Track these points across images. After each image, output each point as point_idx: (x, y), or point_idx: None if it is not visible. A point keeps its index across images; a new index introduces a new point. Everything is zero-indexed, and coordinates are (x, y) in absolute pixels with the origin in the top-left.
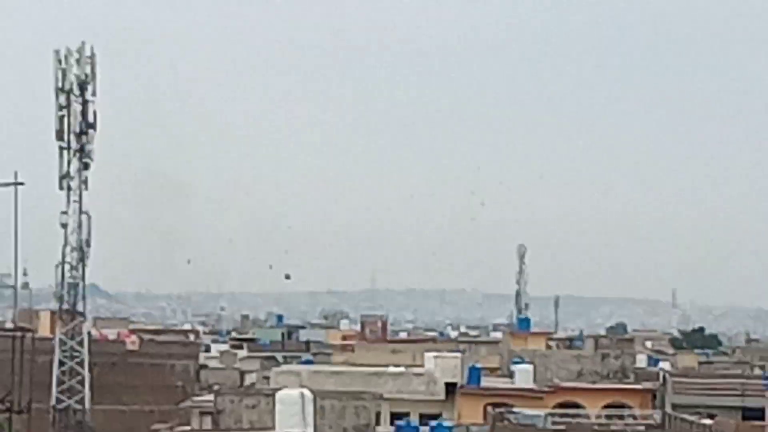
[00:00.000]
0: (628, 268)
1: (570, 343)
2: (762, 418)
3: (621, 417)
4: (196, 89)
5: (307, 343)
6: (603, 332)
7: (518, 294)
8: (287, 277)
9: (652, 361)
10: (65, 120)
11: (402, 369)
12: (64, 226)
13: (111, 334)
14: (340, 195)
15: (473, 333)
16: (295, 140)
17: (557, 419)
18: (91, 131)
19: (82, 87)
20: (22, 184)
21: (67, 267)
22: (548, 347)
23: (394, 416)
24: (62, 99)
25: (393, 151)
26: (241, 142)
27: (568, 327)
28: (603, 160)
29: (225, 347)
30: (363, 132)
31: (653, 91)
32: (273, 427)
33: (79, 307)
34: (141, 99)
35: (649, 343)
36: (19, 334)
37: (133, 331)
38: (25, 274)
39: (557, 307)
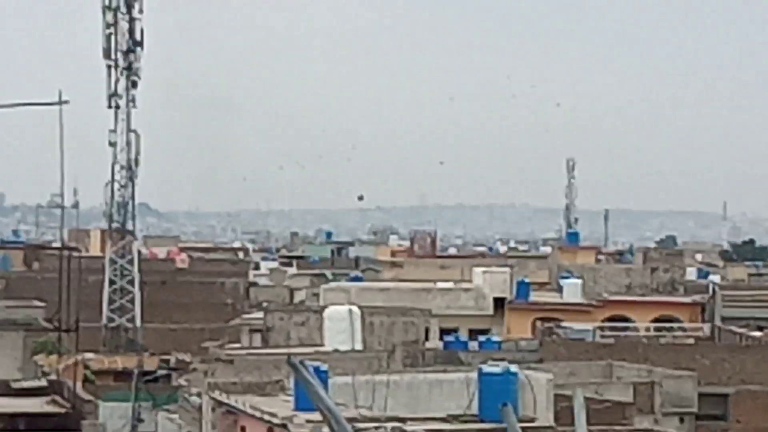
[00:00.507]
0: (678, 180)
1: (619, 256)
2: None
3: (670, 330)
4: (243, 4)
5: (356, 259)
6: (652, 245)
7: (567, 208)
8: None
9: (702, 274)
10: (112, 38)
11: (451, 284)
12: (113, 144)
13: (161, 252)
14: (388, 111)
15: (522, 248)
16: (342, 56)
17: (606, 333)
18: (138, 49)
19: (129, 4)
20: (66, 102)
21: (116, 186)
22: (597, 261)
23: (443, 331)
24: (109, 17)
25: (442, 68)
26: (289, 59)
27: (617, 241)
28: (651, 71)
29: (274, 265)
30: (411, 48)
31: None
32: (322, 344)
33: (129, 226)
34: (188, 14)
35: (699, 256)
36: (66, 253)
37: (182, 250)
38: (75, 194)
39: (607, 220)
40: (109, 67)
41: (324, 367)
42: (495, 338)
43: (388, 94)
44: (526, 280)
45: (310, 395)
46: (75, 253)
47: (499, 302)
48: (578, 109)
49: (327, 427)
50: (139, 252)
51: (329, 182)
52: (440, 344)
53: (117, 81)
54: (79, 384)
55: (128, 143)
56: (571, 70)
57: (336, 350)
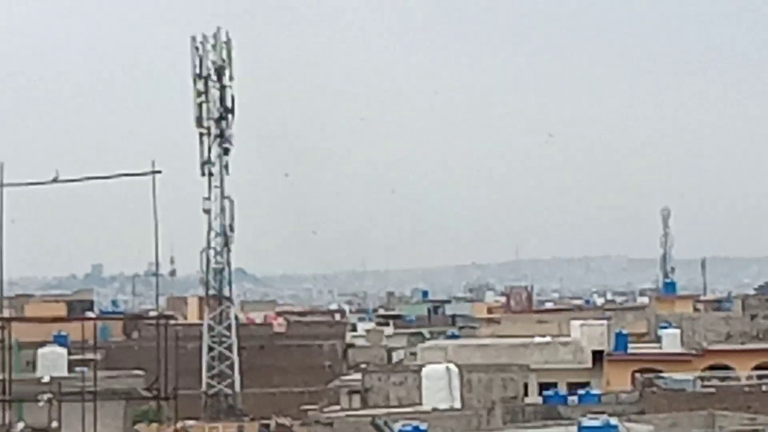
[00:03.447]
0: None
1: (718, 305)
2: None
3: None
4: (332, 64)
5: (453, 317)
6: (751, 292)
7: (664, 258)
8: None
9: None
10: (204, 106)
11: (548, 339)
12: (207, 212)
13: (258, 317)
14: (481, 167)
15: (619, 299)
16: (435, 113)
17: (707, 383)
18: (229, 116)
19: (219, 72)
20: (159, 172)
21: (212, 252)
22: (696, 310)
23: (542, 386)
24: (200, 85)
25: (532, 122)
26: (381, 118)
27: (715, 289)
28: (748, 117)
29: (371, 325)
30: (500, 106)
31: None
32: (421, 403)
33: (226, 292)
34: (277, 78)
35: None
36: (163, 321)
37: (279, 314)
38: (171, 262)
39: (704, 269)
40: (201, 135)
41: (423, 426)
42: (594, 391)
43: (481, 147)
44: (624, 331)
45: None
46: (172, 321)
47: (597, 355)
48: (672, 157)
49: None
50: (237, 318)
51: (425, 240)
52: (539, 399)
53: (209, 148)
54: None
55: (222, 210)
56: (664, 117)
57: (435, 409)
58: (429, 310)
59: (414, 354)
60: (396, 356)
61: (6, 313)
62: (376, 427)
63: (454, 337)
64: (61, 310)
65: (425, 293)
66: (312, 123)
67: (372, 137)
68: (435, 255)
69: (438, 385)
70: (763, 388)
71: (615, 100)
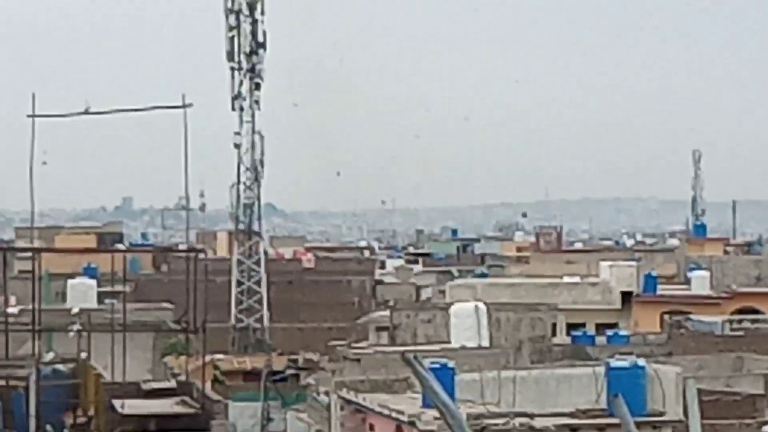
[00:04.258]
0: None
1: (748, 248)
2: None
3: None
4: (363, 1)
5: (482, 256)
6: None
7: (694, 200)
8: (524, 215)
9: None
10: (235, 41)
11: (577, 279)
12: (238, 146)
13: (287, 252)
14: (512, 107)
15: (649, 241)
16: (467, 52)
17: (735, 325)
18: (261, 51)
19: (251, 6)
20: (190, 105)
21: (242, 187)
22: (725, 253)
23: (570, 327)
24: (232, 20)
25: (562, 60)
26: (415, 51)
27: (745, 232)
28: None
29: (400, 262)
30: (536, 38)
31: None
32: (449, 341)
33: (255, 227)
34: (309, 14)
35: None
36: (192, 255)
37: (309, 249)
38: (201, 196)
39: (734, 212)
40: (232, 69)
41: (451, 363)
42: (622, 332)
43: (512, 86)
44: (654, 273)
45: (426, 391)
46: (202, 255)
47: (626, 296)
48: (704, 99)
49: (444, 422)
50: (266, 253)
51: (454, 178)
52: (567, 339)
53: (241, 83)
54: (208, 384)
55: (253, 145)
56: (696, 60)
57: (463, 347)
58: (458, 249)
59: (442, 292)
60: (424, 294)
61: (36, 244)
62: (406, 361)
63: (482, 275)
64: (91, 242)
65: (454, 231)
66: (343, 60)
67: (403, 76)
68: (464, 194)
69: (466, 323)
70: None
71: (648, 42)
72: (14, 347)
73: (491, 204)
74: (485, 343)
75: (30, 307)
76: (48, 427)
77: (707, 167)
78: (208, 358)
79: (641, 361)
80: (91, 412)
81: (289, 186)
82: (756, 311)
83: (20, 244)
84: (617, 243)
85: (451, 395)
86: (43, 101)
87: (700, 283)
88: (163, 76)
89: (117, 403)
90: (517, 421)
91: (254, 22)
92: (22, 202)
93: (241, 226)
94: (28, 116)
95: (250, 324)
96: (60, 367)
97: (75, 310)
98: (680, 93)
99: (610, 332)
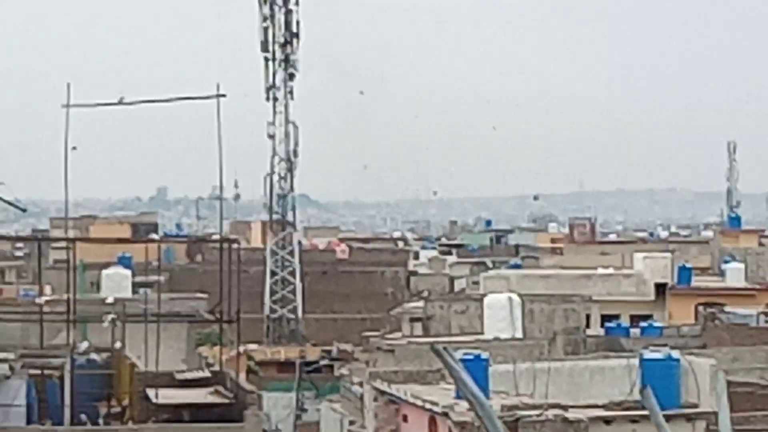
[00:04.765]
0: None
1: None
2: None
3: None
4: None
5: (516, 247)
6: None
7: (729, 192)
8: (536, 198)
9: None
10: (269, 31)
11: (611, 270)
12: (272, 137)
13: (321, 243)
14: (546, 97)
15: (684, 232)
16: (504, 41)
17: None
18: (294, 41)
19: None
20: (224, 95)
21: (275, 177)
22: (760, 245)
23: (604, 318)
24: (266, 10)
25: (596, 51)
26: (447, 46)
27: None
28: None
29: (434, 253)
30: (566, 31)
31: None
32: (482, 332)
33: (289, 217)
34: (343, 3)
35: None
36: (226, 245)
37: (343, 240)
38: (236, 186)
39: None
40: (266, 59)
41: (485, 355)
42: (657, 324)
43: (548, 77)
44: (688, 265)
45: (455, 381)
46: (235, 245)
47: (660, 288)
48: (739, 90)
49: (474, 414)
50: (300, 243)
51: (489, 169)
52: (601, 331)
53: (275, 73)
54: (242, 375)
55: (287, 135)
56: (732, 49)
57: (496, 338)
58: (492, 240)
59: (476, 283)
60: (458, 285)
61: (71, 234)
62: (436, 352)
63: (516, 267)
64: (126, 232)
65: (488, 222)
66: (378, 49)
67: (439, 65)
68: (499, 185)
69: (500, 314)
70: None
71: (684, 31)
72: (49, 337)
73: (525, 195)
74: (519, 334)
75: (65, 296)
76: (82, 416)
77: (742, 159)
78: (242, 348)
79: (675, 353)
80: (126, 402)
81: (323, 176)
82: None
83: (55, 234)
84: (651, 234)
85: (485, 387)
86: (78, 92)
87: (734, 274)
88: (197, 66)
89: (151, 392)
90: (551, 412)
91: (288, 12)
92: (57, 192)
93: (275, 217)
94: (63, 106)
95: (283, 314)
96: (94, 356)
97: (110, 299)
98: (716, 83)
99: (644, 324)
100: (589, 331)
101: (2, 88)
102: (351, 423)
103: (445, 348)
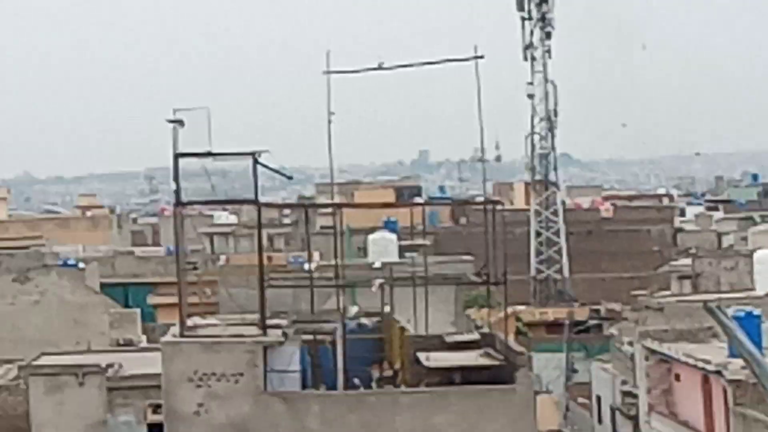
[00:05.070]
0: None
1: None
2: None
3: None
4: None
5: None
6: None
7: None
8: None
9: None
10: None
11: None
12: (531, 96)
13: (585, 202)
14: None
15: None
16: None
17: None
18: None
19: None
20: (482, 57)
21: (536, 138)
22: None
23: None
24: None
25: None
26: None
27: None
28: None
29: (700, 210)
30: None
31: None
32: (753, 288)
33: (552, 177)
34: None
35: None
36: (490, 207)
37: (606, 198)
38: (497, 147)
39: None
40: (523, 19)
41: (757, 311)
42: None
43: None
44: None
45: (730, 340)
46: (500, 207)
47: None
48: None
49: (750, 371)
50: (564, 203)
51: (755, 122)
52: None
53: (531, 33)
54: (511, 336)
55: (546, 94)
56: None
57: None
58: (759, 194)
59: (745, 239)
60: (726, 241)
61: (336, 200)
62: (708, 311)
63: None
64: (390, 197)
65: (755, 177)
66: (637, 4)
67: (695, 20)
68: (765, 137)
69: None
70: None
71: None
72: (319, 302)
73: None
74: None
75: (332, 262)
76: (356, 380)
77: None
78: (509, 310)
79: None
80: (397, 366)
81: (584, 135)
82: None
83: (321, 200)
84: None
85: (758, 344)
86: (337, 57)
87: None
88: (454, 28)
89: (422, 356)
90: None
91: None
92: (321, 158)
93: (538, 177)
94: (324, 73)
95: (550, 275)
96: (365, 321)
97: (377, 264)
98: None
99: None
100: None
101: (265, 59)
102: (623, 383)
103: (718, 306)
